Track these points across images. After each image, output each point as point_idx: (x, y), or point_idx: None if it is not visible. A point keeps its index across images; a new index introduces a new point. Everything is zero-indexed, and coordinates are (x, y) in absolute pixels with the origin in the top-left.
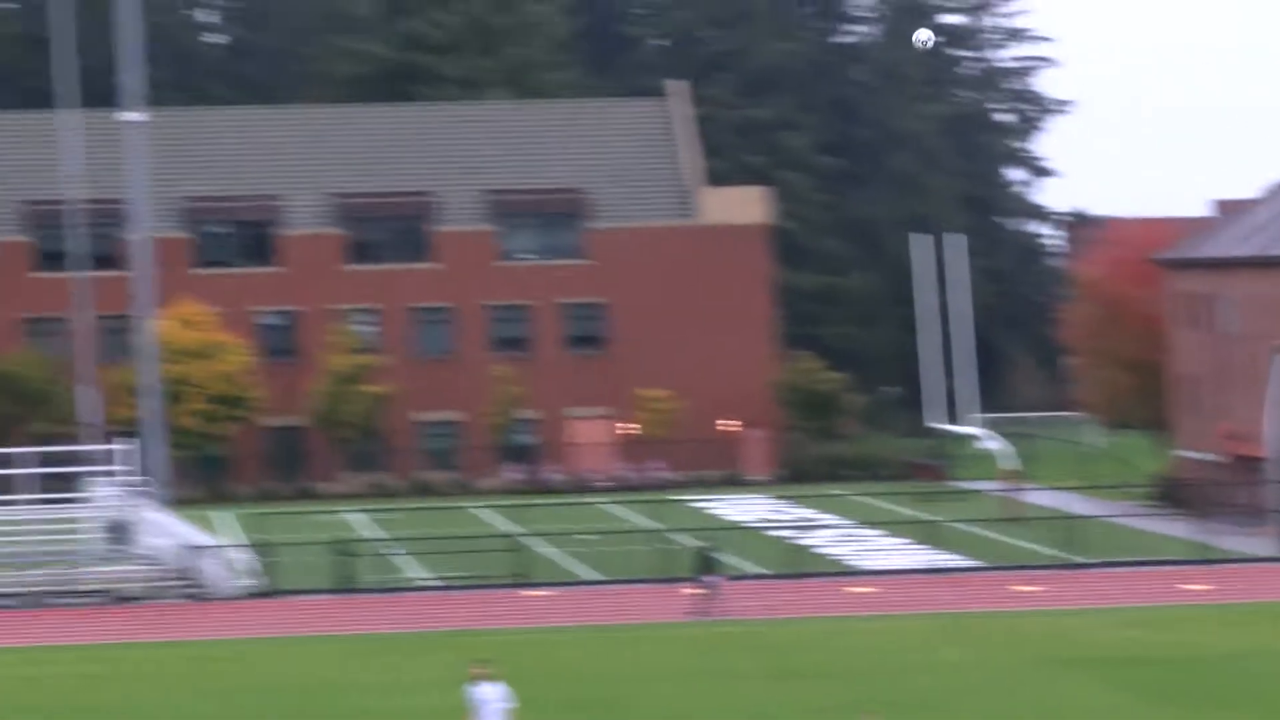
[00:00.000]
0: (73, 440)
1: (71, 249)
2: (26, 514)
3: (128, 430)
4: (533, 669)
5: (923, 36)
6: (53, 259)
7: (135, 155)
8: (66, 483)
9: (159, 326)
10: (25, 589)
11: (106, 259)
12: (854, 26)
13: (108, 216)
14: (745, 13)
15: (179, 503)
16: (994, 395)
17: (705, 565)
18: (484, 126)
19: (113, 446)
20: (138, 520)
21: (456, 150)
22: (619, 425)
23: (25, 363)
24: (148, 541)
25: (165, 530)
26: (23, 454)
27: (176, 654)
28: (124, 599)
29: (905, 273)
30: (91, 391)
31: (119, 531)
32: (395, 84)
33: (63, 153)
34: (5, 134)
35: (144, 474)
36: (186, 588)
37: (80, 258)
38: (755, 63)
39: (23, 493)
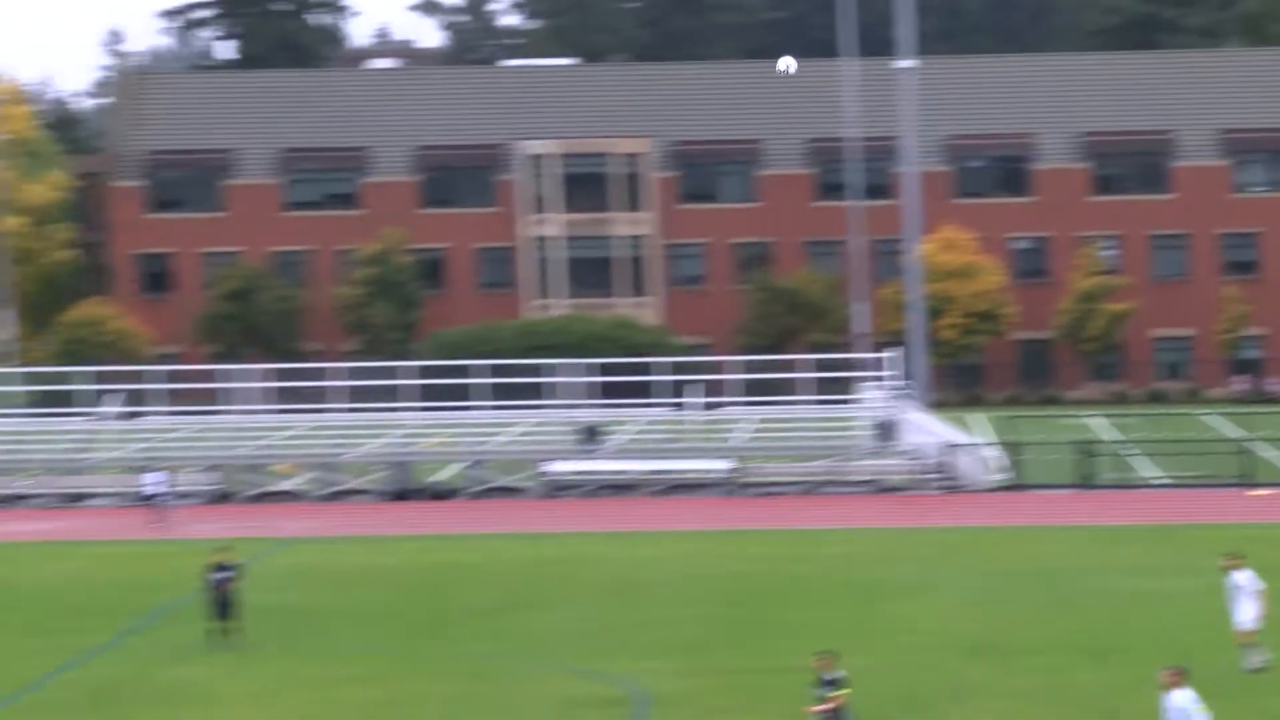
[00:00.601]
0: (846, 349)
1: (849, 181)
2: (805, 413)
3: (894, 341)
4: (1256, 561)
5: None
6: (832, 189)
7: (906, 98)
8: (840, 386)
9: (923, 250)
10: (804, 478)
11: (878, 189)
12: None
13: (880, 152)
14: None
15: (937, 405)
16: None
17: None
18: (1220, 71)
19: (881, 355)
20: (902, 420)
21: (1194, 92)
22: None
23: (806, 280)
24: (910, 439)
25: (925, 429)
26: (803, 360)
27: (936, 538)
28: (888, 489)
29: None
30: (864, 306)
31: (885, 430)
32: (1139, 33)
33: (843, 96)
34: (794, 80)
35: (908, 379)
36: (943, 480)
37: (856, 188)
38: None
39: (802, 394)
